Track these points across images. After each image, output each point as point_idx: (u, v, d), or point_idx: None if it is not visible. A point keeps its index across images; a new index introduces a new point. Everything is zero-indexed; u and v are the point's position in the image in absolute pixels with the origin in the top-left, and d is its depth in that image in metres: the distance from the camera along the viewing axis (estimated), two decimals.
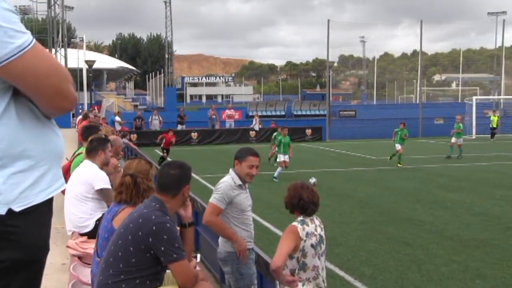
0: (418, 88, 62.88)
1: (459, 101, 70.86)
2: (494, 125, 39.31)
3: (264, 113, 52.39)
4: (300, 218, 4.78)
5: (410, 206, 14.53)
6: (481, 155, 28.15)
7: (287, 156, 19.74)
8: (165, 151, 24.63)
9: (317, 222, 4.86)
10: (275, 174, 18.85)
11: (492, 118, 40.18)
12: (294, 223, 4.75)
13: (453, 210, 13.86)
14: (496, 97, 57.75)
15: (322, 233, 4.84)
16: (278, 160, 19.95)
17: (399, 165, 22.63)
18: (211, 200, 5.69)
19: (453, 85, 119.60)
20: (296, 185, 4.93)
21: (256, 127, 38.76)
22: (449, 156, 25.90)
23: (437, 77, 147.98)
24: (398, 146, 23.04)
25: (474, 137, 40.71)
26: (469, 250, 10.23)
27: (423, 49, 49.08)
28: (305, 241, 4.66)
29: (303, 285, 4.69)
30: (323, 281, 4.81)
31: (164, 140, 24.65)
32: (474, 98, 46.45)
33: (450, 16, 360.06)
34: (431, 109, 53.05)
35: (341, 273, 8.88)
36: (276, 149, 20.37)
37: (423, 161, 25.13)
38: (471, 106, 43.79)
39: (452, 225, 12.32)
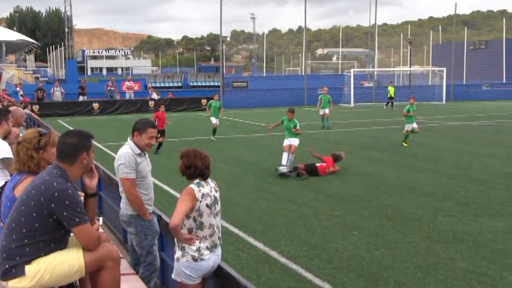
0: (303, 61, 64.15)
1: (339, 73, 73.05)
2: (392, 95, 40.60)
3: (163, 85, 51.69)
4: (196, 181, 4.81)
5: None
6: (359, 121, 29.26)
7: (292, 140, 14.97)
8: (159, 134, 17.22)
9: (212, 184, 4.92)
10: (283, 161, 14.54)
11: (389, 88, 41.45)
12: (191, 186, 4.78)
13: None
14: (370, 69, 60.04)
15: (217, 195, 4.91)
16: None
17: (404, 144, 18.79)
18: (123, 175, 5.59)
19: (334, 59, 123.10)
20: (189, 154, 4.89)
21: (154, 96, 38.59)
22: (323, 126, 25.14)
23: (320, 51, 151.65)
24: (409, 126, 19.08)
25: (352, 105, 42.22)
26: (348, 206, 10.69)
27: (308, 25, 50.06)
28: (200, 201, 4.71)
29: (200, 242, 4.74)
30: (219, 238, 4.88)
31: (157, 121, 17.81)
32: (352, 70, 48.12)
33: None
34: (315, 80, 54.27)
35: (236, 230, 9.03)
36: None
37: (309, 128, 25.78)
38: (350, 77, 45.30)
39: (333, 184, 12.80)
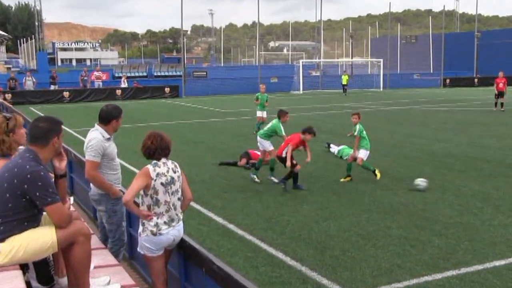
0: (257, 53, 64.02)
1: (290, 63, 73.25)
2: (345, 82, 41.03)
3: (129, 74, 50.83)
4: (154, 161, 4.73)
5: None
6: (306, 106, 29.40)
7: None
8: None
9: (170, 165, 4.77)
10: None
11: (342, 77, 41.89)
12: (148, 165, 4.69)
13: None
14: (317, 60, 60.40)
15: (175, 175, 4.75)
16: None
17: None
18: (88, 157, 5.48)
19: (285, 50, 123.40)
20: (147, 135, 4.82)
21: (124, 85, 38.37)
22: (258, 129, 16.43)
23: (272, 44, 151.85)
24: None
25: (301, 92, 42.41)
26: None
27: (261, 20, 50.00)
28: (155, 180, 4.61)
29: (157, 218, 4.67)
30: (177, 214, 4.79)
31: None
32: (301, 61, 48.27)
33: None
34: (268, 70, 54.46)
35: (197, 206, 8.95)
36: None
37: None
38: (299, 67, 45.42)
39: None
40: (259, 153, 12.83)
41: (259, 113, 18.42)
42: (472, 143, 15.43)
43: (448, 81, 49.56)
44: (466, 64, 56.17)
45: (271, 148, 11.08)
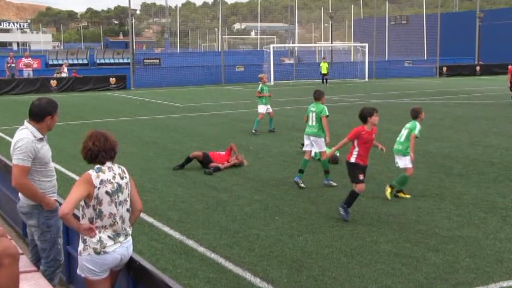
0: (219, 37, 64.06)
1: (258, 49, 73.46)
2: (324, 71, 41.30)
3: (66, 62, 50.36)
4: (97, 166, 4.70)
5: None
6: (279, 100, 29.48)
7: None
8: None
9: (117, 170, 4.76)
10: None
11: (321, 64, 42.11)
12: (90, 171, 4.66)
13: (255, 153, 14.41)
14: (291, 45, 60.80)
15: (122, 182, 4.74)
16: None
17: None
18: (16, 161, 5.39)
19: (252, 34, 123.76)
20: (87, 135, 4.80)
21: (64, 75, 38.18)
22: (274, 128, 18.27)
23: (237, 26, 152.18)
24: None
25: (272, 83, 42.53)
26: (269, 189, 10.75)
27: None
28: (98, 188, 4.59)
29: (101, 233, 4.66)
30: (124, 228, 4.78)
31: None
32: (271, 46, 48.31)
33: None
34: (232, 57, 54.49)
35: (149, 219, 8.90)
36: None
37: (227, 107, 25.80)
38: (269, 53, 45.45)
39: (254, 166, 12.82)
40: (223, 152, 12.90)
41: (262, 109, 18.20)
42: (474, 142, 15.72)
43: (445, 69, 50.45)
44: (466, 49, 57.07)
45: (324, 148, 11.13)
